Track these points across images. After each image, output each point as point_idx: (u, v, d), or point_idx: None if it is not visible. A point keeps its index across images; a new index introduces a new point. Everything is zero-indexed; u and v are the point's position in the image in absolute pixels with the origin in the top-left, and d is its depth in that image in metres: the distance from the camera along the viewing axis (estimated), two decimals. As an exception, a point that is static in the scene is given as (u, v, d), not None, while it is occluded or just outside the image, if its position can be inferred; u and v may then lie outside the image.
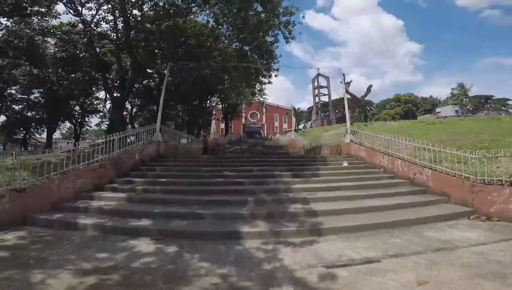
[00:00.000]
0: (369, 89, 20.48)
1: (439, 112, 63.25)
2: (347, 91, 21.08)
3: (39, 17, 19.20)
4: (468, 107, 64.08)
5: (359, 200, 6.87)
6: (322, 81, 65.48)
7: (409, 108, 69.39)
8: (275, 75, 18.26)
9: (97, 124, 46.47)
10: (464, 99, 57.22)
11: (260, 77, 18.76)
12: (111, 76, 25.89)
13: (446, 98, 71.95)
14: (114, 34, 17.35)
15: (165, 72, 13.61)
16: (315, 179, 8.24)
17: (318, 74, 65.39)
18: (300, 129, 53.22)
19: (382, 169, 9.43)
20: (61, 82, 29.64)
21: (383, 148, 9.76)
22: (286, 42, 16.96)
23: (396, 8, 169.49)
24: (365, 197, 7.06)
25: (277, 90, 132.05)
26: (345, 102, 13.90)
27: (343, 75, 21.80)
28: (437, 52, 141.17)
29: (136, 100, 37.41)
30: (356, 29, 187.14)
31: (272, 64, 16.64)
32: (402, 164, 8.62)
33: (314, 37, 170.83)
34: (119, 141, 9.17)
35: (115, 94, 20.19)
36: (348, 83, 21.08)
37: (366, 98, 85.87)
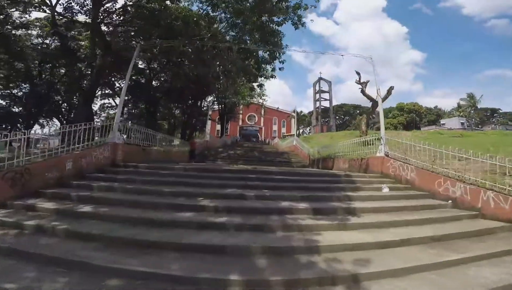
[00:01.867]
0: (389, 91, 17.01)
1: (443, 124, 60.47)
2: (363, 92, 17.65)
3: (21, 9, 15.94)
4: (473, 120, 61.57)
5: (460, 270, 3.40)
6: (324, 86, 62.68)
7: (412, 118, 66.50)
8: (280, 68, 14.77)
9: None
10: (472, 111, 54.42)
11: (262, 70, 15.23)
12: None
13: (451, 109, 69.34)
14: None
15: (138, 52, 10.01)
16: (355, 222, 4.66)
17: (320, 78, 62.73)
18: (300, 135, 49.71)
19: (450, 202, 5.94)
20: (43, 76, 27.53)
21: (453, 170, 6.26)
22: (295, 29, 13.57)
23: (400, 15, 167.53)
24: (466, 263, 3.59)
25: (276, 94, 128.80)
26: (380, 103, 10.30)
27: (358, 74, 18.38)
28: (439, 62, 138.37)
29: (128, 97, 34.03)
30: (358, 35, 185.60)
31: (277, 54, 13.14)
32: (498, 199, 5.12)
33: (315, 42, 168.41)
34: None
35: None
36: (365, 83, 17.61)
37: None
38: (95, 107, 37.21)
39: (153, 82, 32.60)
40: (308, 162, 16.25)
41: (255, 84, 17.09)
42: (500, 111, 68.35)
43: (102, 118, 40.08)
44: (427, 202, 6.14)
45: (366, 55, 10.48)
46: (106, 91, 33.12)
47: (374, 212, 5.26)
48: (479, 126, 59.35)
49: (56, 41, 22.56)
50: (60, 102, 33.22)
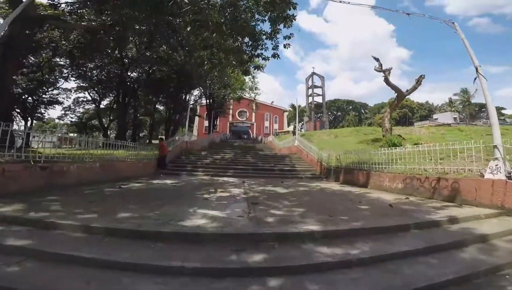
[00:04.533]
0: (419, 81, 12.90)
1: (436, 119, 58.11)
2: (387, 81, 13.46)
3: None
4: (464, 114, 59.76)
5: None
6: (316, 81, 58.77)
7: (405, 113, 63.81)
8: (285, 45, 10.36)
9: (60, 118, 38.33)
10: (465, 106, 52.03)
11: (260, 47, 10.77)
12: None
13: (442, 104, 67.27)
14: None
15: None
16: None
17: (313, 73, 58.81)
18: (294, 132, 44.84)
19: None
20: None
21: None
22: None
23: (388, 13, 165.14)
24: None
25: (266, 91, 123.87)
26: (486, 94, 5.78)
27: (377, 60, 14.16)
28: (424, 59, 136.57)
29: (100, 88, 28.62)
30: (347, 32, 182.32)
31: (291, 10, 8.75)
32: None
33: (305, 38, 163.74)
34: None
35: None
36: (389, 70, 13.42)
37: (355, 100, 79.10)
38: (68, 101, 31.83)
39: (132, 74, 27.79)
40: (319, 171, 12.00)
41: (251, 67, 12.46)
42: (489, 106, 66.55)
43: (78, 114, 34.66)
44: None
45: (447, 20, 6.30)
46: (82, 84, 28.12)
47: None
48: (471, 120, 57.42)
49: None
50: (23, 95, 27.03)
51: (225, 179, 9.66)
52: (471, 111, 62.93)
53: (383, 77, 13.30)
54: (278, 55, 10.28)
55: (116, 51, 23.30)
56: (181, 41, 15.93)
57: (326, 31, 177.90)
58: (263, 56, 11.07)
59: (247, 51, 11.45)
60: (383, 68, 13.46)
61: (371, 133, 20.46)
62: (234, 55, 11.81)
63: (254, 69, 10.90)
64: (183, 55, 18.32)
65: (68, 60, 23.39)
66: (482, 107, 69.19)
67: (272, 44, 10.67)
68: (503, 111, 65.42)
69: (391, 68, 13.56)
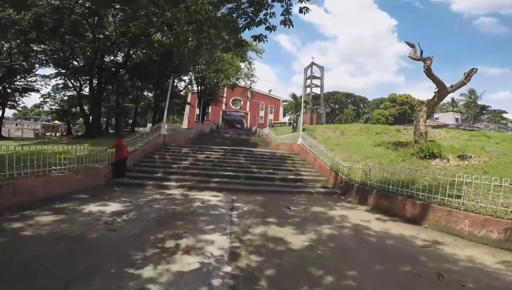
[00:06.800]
0: (470, 75, 9.92)
1: (437, 118, 56.25)
2: (428, 73, 10.36)
3: None
4: (465, 115, 58.13)
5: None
6: (315, 72, 55.59)
7: (404, 110, 61.82)
8: (301, 9, 7.33)
9: (38, 105, 34.99)
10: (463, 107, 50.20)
11: (265, 10, 7.65)
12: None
13: (443, 104, 65.42)
14: None
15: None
16: None
17: (312, 64, 55.61)
18: (290, 123, 41.27)
19: None
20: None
21: None
22: None
23: (391, 7, 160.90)
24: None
25: (260, 81, 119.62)
26: None
27: (412, 46, 11.06)
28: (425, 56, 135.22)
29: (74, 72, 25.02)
30: (347, 25, 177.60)
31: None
32: None
33: (303, 29, 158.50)
34: None
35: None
36: (431, 60, 10.36)
37: (352, 94, 76.28)
38: (47, 88, 28.88)
39: (114, 58, 24.40)
40: (332, 183, 9.23)
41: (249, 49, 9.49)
42: (490, 108, 65.18)
43: (58, 102, 31.03)
44: None
45: None
46: (61, 70, 24.65)
47: None
48: (472, 123, 55.87)
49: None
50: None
51: (206, 195, 6.78)
52: (473, 113, 61.34)
53: (425, 67, 10.22)
54: (291, 21, 7.23)
55: (89, 29, 19.90)
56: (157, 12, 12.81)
57: (325, 22, 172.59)
58: (267, 25, 7.94)
59: (244, 17, 8.28)
60: (423, 56, 10.42)
61: (384, 133, 17.78)
62: (226, 26, 8.66)
63: (255, 40, 7.77)
64: (161, 26, 15.22)
65: (42, 45, 20.57)
66: (483, 109, 67.84)
67: (282, 6, 7.60)
68: (504, 115, 64.04)
69: (433, 56, 10.39)
